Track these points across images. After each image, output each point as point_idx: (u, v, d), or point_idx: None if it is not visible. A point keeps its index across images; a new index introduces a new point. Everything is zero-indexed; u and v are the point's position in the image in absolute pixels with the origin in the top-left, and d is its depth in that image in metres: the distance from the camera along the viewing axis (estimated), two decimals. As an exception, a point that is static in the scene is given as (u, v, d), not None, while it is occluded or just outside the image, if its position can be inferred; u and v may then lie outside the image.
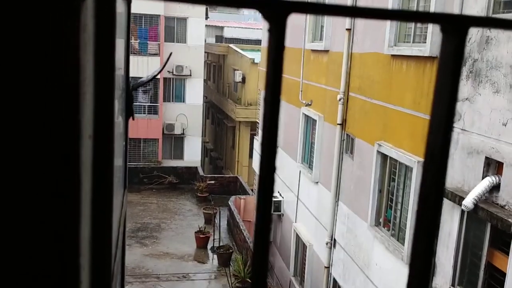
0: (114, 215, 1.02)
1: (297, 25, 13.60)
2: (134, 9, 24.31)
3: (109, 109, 0.70)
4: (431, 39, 7.51)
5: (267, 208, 0.45)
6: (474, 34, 6.63)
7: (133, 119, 1.59)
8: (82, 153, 0.51)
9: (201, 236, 17.82)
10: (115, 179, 1.05)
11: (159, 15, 25.56)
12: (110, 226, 0.76)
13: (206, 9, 27.48)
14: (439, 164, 0.46)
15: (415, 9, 8.29)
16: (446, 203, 7.08)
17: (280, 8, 0.41)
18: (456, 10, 6.95)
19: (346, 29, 10.43)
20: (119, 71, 1.28)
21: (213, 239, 17.62)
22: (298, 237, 13.41)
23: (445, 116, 0.45)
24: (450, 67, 0.44)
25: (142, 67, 25.01)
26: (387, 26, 8.79)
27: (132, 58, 26.31)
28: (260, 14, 0.43)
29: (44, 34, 0.45)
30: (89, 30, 0.54)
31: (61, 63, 0.45)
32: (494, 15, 6.40)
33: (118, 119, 1.25)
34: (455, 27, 0.44)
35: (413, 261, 0.46)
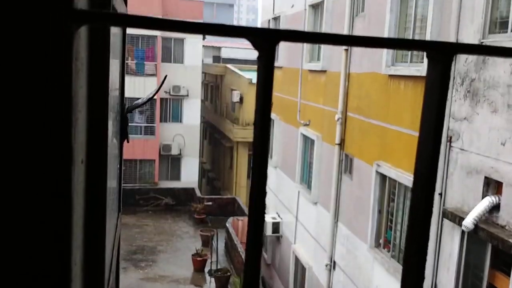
0: (108, 238, 0.97)
1: (295, 45, 13.70)
2: (131, 30, 24.54)
3: (102, 134, 0.67)
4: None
5: (259, 231, 0.44)
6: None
7: (127, 141, 1.55)
8: (74, 178, 0.48)
9: (198, 259, 17.61)
10: (109, 202, 1.01)
11: (156, 36, 25.77)
12: (103, 250, 0.72)
13: (204, 30, 27.71)
14: (426, 187, 0.45)
15: (412, 29, 8.36)
16: (446, 224, 7.02)
17: (268, 36, 0.42)
18: (452, 31, 7.00)
19: (344, 49, 10.50)
20: (114, 93, 1.25)
21: (211, 262, 17.42)
22: (297, 259, 13.27)
23: (432, 140, 0.47)
24: (436, 92, 0.45)
25: (139, 87, 25.10)
26: (384, 47, 8.84)
27: (129, 79, 26.55)
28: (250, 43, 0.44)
29: (37, 61, 0.45)
30: (82, 58, 0.53)
31: (53, 90, 0.44)
32: (490, 35, 6.44)
33: (113, 142, 1.21)
34: (440, 54, 0.44)
35: (405, 275, 0.46)
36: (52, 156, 0.46)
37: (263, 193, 0.44)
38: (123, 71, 1.55)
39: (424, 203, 0.46)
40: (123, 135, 1.46)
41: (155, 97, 25.90)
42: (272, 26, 15.90)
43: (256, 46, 0.43)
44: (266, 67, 0.43)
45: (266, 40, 0.43)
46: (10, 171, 0.45)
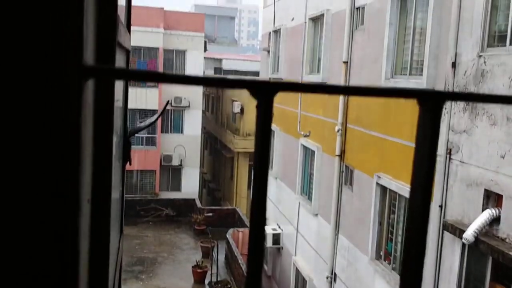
0: (110, 265, 1.00)
1: (295, 57, 13.78)
2: (133, 42, 24.64)
3: (107, 171, 0.70)
4: (428, 72, 7.60)
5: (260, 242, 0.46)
6: (470, 66, 6.71)
7: (130, 164, 1.58)
8: (81, 219, 0.51)
9: (199, 270, 17.54)
10: (112, 228, 1.04)
11: (158, 48, 25.91)
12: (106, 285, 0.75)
13: (205, 41, 27.88)
14: (419, 232, 0.49)
15: (411, 42, 8.41)
16: (447, 236, 7.02)
17: (267, 88, 0.45)
18: (451, 44, 7.05)
19: (343, 61, 10.56)
20: (118, 118, 1.28)
21: (211, 274, 17.35)
22: (297, 271, 13.22)
23: (425, 175, 0.48)
24: (427, 138, 0.48)
25: (141, 98, 25.18)
26: (384, 59, 8.91)
27: (131, 90, 26.47)
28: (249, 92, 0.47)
29: (47, 113, 0.46)
30: (89, 104, 0.55)
31: (63, 139, 0.47)
32: (488, 48, 6.49)
33: (115, 166, 1.24)
34: (431, 102, 0.47)
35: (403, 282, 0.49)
36: (60, 199, 0.48)
37: (263, 219, 0.47)
38: (127, 93, 1.58)
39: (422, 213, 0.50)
40: (125, 158, 1.49)
41: (156, 107, 25.95)
42: (272, 38, 16.01)
43: (255, 96, 0.46)
44: (264, 115, 0.46)
45: (264, 91, 0.46)
46: (19, 213, 0.47)
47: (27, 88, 0.46)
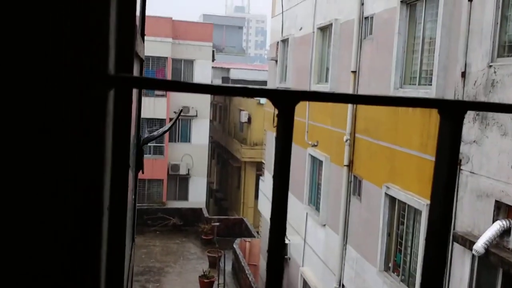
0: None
1: (303, 66, 13.80)
2: (142, 52, 24.81)
3: (123, 180, 0.70)
4: (437, 82, 7.57)
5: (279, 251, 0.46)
6: (480, 76, 6.68)
7: (142, 172, 1.58)
8: (103, 225, 0.51)
9: (205, 280, 17.48)
10: (126, 239, 1.03)
11: (167, 57, 26.07)
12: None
13: (213, 51, 28.02)
14: (439, 242, 0.48)
15: (420, 52, 8.40)
16: (457, 248, 6.94)
17: (289, 97, 0.46)
18: (460, 54, 7.03)
19: (352, 71, 10.56)
20: (132, 129, 1.28)
21: (218, 284, 17.28)
22: (305, 282, 13.13)
23: (445, 185, 0.48)
24: (447, 148, 0.47)
25: (149, 108, 25.29)
26: (392, 68, 8.90)
27: (139, 100, 26.39)
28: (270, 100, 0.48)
29: (73, 122, 0.47)
30: (110, 111, 0.56)
31: (89, 146, 0.47)
32: (499, 59, 6.46)
33: (130, 174, 1.23)
34: (451, 111, 0.46)
35: None
36: (88, 206, 0.49)
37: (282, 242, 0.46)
38: (140, 103, 1.59)
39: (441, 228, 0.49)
40: (139, 166, 1.49)
41: (164, 117, 26.05)
42: (280, 48, 16.06)
43: (276, 105, 0.46)
44: (286, 124, 0.46)
45: (286, 100, 0.46)
46: (51, 221, 0.48)
47: (56, 97, 0.47)
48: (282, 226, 0.46)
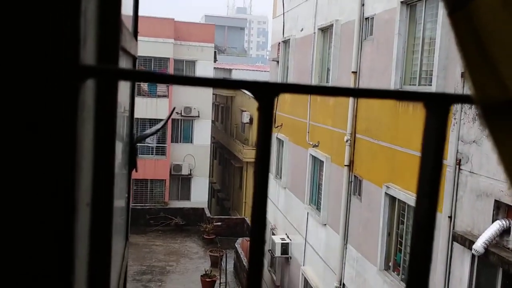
0: (113, 270, 1.01)
1: (304, 67, 13.81)
2: (144, 52, 24.89)
3: (109, 174, 0.71)
4: (437, 82, 7.58)
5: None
6: (479, 77, 6.68)
7: (136, 171, 1.60)
8: (78, 226, 0.52)
9: (207, 280, 17.50)
10: (116, 233, 1.05)
11: (168, 58, 26.09)
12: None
13: (215, 52, 28.04)
14: (425, 235, 0.49)
15: (420, 52, 8.41)
16: (456, 247, 6.95)
17: (269, 89, 0.44)
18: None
19: (352, 72, 10.57)
20: (124, 125, 1.29)
21: (220, 283, 17.29)
22: (306, 281, 13.14)
23: (431, 179, 0.48)
24: (433, 141, 0.47)
25: (151, 108, 25.32)
26: (393, 69, 8.90)
27: (141, 100, 26.53)
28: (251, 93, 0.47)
29: (42, 114, 0.46)
30: (89, 105, 0.56)
31: (57, 139, 0.47)
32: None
33: (121, 172, 1.25)
34: (437, 105, 0.46)
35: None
36: (55, 200, 0.49)
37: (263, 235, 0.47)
38: (133, 101, 1.61)
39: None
40: (132, 165, 1.51)
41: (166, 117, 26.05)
42: (282, 48, 16.06)
43: (256, 97, 0.46)
44: (265, 116, 0.46)
45: (266, 93, 0.45)
46: (17, 213, 0.48)
47: (22, 86, 0.46)
48: (262, 220, 0.47)
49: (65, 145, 0.47)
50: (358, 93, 0.54)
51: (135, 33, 1.50)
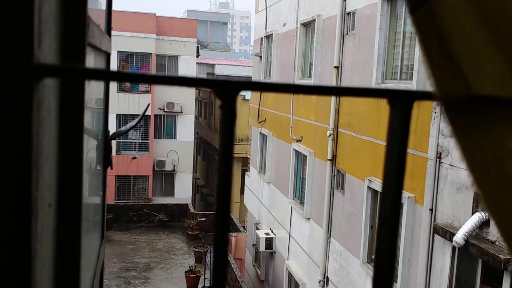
0: (87, 270, 0.99)
1: (287, 62, 13.82)
2: (126, 47, 24.68)
3: (75, 173, 0.70)
4: (418, 76, 7.65)
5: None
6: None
7: (111, 168, 1.58)
8: (37, 224, 0.51)
9: (192, 275, 17.49)
10: (89, 231, 1.03)
11: (151, 53, 25.89)
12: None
13: (197, 47, 27.90)
14: (390, 233, 0.49)
15: (401, 47, 8.47)
16: (437, 239, 7.05)
17: (229, 87, 0.44)
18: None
19: (334, 66, 10.61)
20: (97, 121, 1.28)
21: (204, 279, 17.30)
22: (290, 275, 13.21)
23: (394, 187, 0.49)
24: (397, 137, 0.47)
25: (133, 104, 25.13)
26: (374, 63, 8.96)
27: (123, 95, 26.29)
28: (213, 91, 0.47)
29: None
30: (49, 104, 0.55)
31: (10, 141, 0.46)
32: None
33: (95, 170, 1.24)
34: (401, 102, 0.47)
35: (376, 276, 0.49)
36: (8, 202, 0.47)
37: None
38: (108, 95, 1.58)
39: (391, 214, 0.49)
40: (107, 162, 1.49)
41: (148, 113, 25.90)
42: (264, 43, 16.05)
43: (218, 96, 0.46)
44: (228, 113, 0.45)
45: (227, 90, 0.45)
46: None
47: None
48: (226, 215, 0.46)
49: (17, 145, 0.46)
50: (321, 90, 0.54)
51: (108, 29, 1.47)
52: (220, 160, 0.47)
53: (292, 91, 0.53)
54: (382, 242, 0.52)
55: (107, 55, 1.41)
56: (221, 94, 0.45)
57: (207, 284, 17.10)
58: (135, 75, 0.47)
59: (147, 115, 25.57)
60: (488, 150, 0.47)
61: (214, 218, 0.49)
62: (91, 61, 1.02)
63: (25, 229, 0.47)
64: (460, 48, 0.45)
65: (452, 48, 0.46)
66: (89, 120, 1.09)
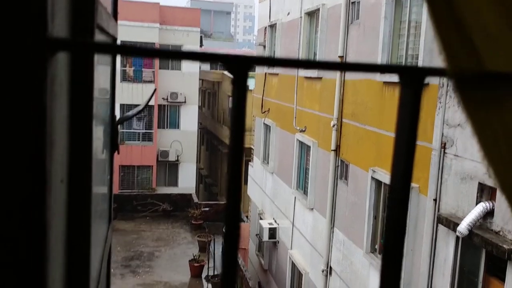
0: (95, 251, 1.00)
1: (291, 51, 13.77)
2: (129, 37, 24.61)
3: (86, 151, 0.70)
4: (423, 65, 7.60)
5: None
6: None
7: (118, 153, 1.58)
8: (50, 200, 0.51)
9: (196, 264, 17.59)
10: (97, 214, 1.04)
11: (154, 43, 25.83)
12: (87, 271, 0.75)
13: (201, 37, 27.82)
14: (398, 216, 0.49)
15: (406, 36, 8.42)
16: (441, 229, 7.05)
17: (241, 62, 0.45)
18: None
19: (339, 56, 10.56)
20: (104, 105, 1.28)
21: (208, 268, 17.40)
22: (293, 265, 13.27)
23: (406, 153, 0.48)
24: (408, 115, 0.47)
25: (137, 94, 25.13)
26: (379, 52, 8.92)
27: (127, 85, 26.26)
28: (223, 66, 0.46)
29: (7, 87, 0.45)
30: (62, 79, 0.55)
31: (25, 116, 0.46)
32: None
33: (102, 153, 1.24)
34: (412, 78, 0.46)
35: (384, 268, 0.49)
36: (25, 182, 0.48)
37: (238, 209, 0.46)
38: (114, 81, 1.59)
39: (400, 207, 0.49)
40: (114, 146, 1.49)
41: (152, 103, 25.91)
42: (268, 33, 15.98)
43: (230, 71, 0.46)
44: (239, 88, 0.45)
45: (239, 65, 0.45)
46: None
47: None
48: (237, 195, 0.46)
49: (33, 117, 0.46)
50: (333, 66, 0.53)
51: (115, 14, 1.47)
52: (232, 133, 0.47)
53: (303, 66, 0.53)
54: (393, 221, 0.51)
55: (114, 40, 1.41)
56: (233, 69, 0.45)
57: (211, 273, 17.20)
58: (144, 49, 0.47)
59: (151, 105, 25.58)
60: (498, 126, 0.47)
61: (226, 192, 0.48)
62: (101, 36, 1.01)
63: (40, 198, 0.47)
64: (471, 22, 0.45)
65: (465, 23, 0.46)
66: (97, 106, 1.09)
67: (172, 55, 0.48)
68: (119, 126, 1.62)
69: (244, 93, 0.46)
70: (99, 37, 0.95)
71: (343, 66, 0.54)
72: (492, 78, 0.46)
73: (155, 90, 3.48)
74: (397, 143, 0.51)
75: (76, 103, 0.64)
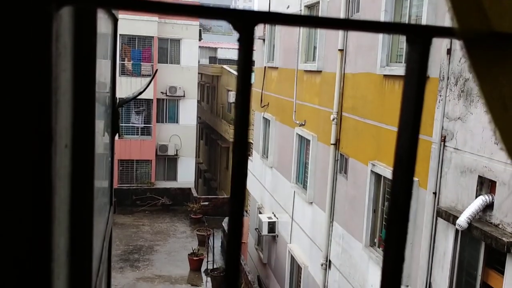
0: (97, 229, 0.99)
1: (290, 45, 13.73)
2: (128, 31, 24.54)
3: (89, 118, 0.69)
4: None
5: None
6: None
7: (119, 136, 1.57)
8: (56, 160, 0.50)
9: (195, 258, 17.62)
10: (98, 192, 1.03)
11: (153, 37, 25.75)
12: (90, 234, 0.74)
13: (200, 30, 27.73)
14: (406, 169, 0.48)
15: (407, 16, 8.39)
16: (441, 222, 7.06)
17: (247, 18, 0.43)
18: (447, 17, 7.03)
19: (339, 49, 10.53)
20: (105, 88, 1.26)
21: (207, 262, 17.43)
22: (293, 259, 13.29)
23: (411, 124, 0.48)
24: (415, 76, 0.46)
25: (136, 88, 25.02)
26: (379, 47, 8.89)
27: (125, 79, 26.23)
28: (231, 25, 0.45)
29: (13, 43, 0.44)
30: (65, 41, 0.54)
31: (31, 71, 0.45)
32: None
33: (104, 136, 1.23)
34: (419, 37, 0.46)
35: (385, 264, 0.48)
36: (30, 136, 0.47)
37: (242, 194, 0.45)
38: (115, 66, 1.57)
39: (404, 192, 0.48)
40: (115, 128, 1.48)
41: (151, 97, 25.82)
42: (268, 27, 15.93)
43: (236, 28, 0.44)
44: (245, 45, 0.44)
45: (245, 22, 0.44)
46: None
47: None
48: (243, 172, 0.45)
49: (38, 72, 0.45)
50: (341, 24, 0.52)
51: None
52: (237, 94, 0.45)
53: (308, 24, 0.51)
54: (398, 195, 0.50)
55: (115, 21, 1.39)
56: (239, 26, 0.44)
57: (210, 266, 17.23)
58: (147, 2, 0.45)
59: (150, 99, 25.53)
60: (506, 87, 0.46)
61: (233, 153, 0.47)
62: (101, 20, 1.00)
63: (46, 156, 0.46)
64: None
65: None
66: (98, 87, 1.08)
67: (173, 9, 0.45)
68: (119, 110, 1.61)
69: (250, 52, 0.45)
70: (101, 17, 0.94)
71: (348, 23, 0.52)
72: (501, 38, 0.46)
73: (156, 70, 3.46)
74: (404, 102, 0.50)
75: (79, 64, 0.63)
